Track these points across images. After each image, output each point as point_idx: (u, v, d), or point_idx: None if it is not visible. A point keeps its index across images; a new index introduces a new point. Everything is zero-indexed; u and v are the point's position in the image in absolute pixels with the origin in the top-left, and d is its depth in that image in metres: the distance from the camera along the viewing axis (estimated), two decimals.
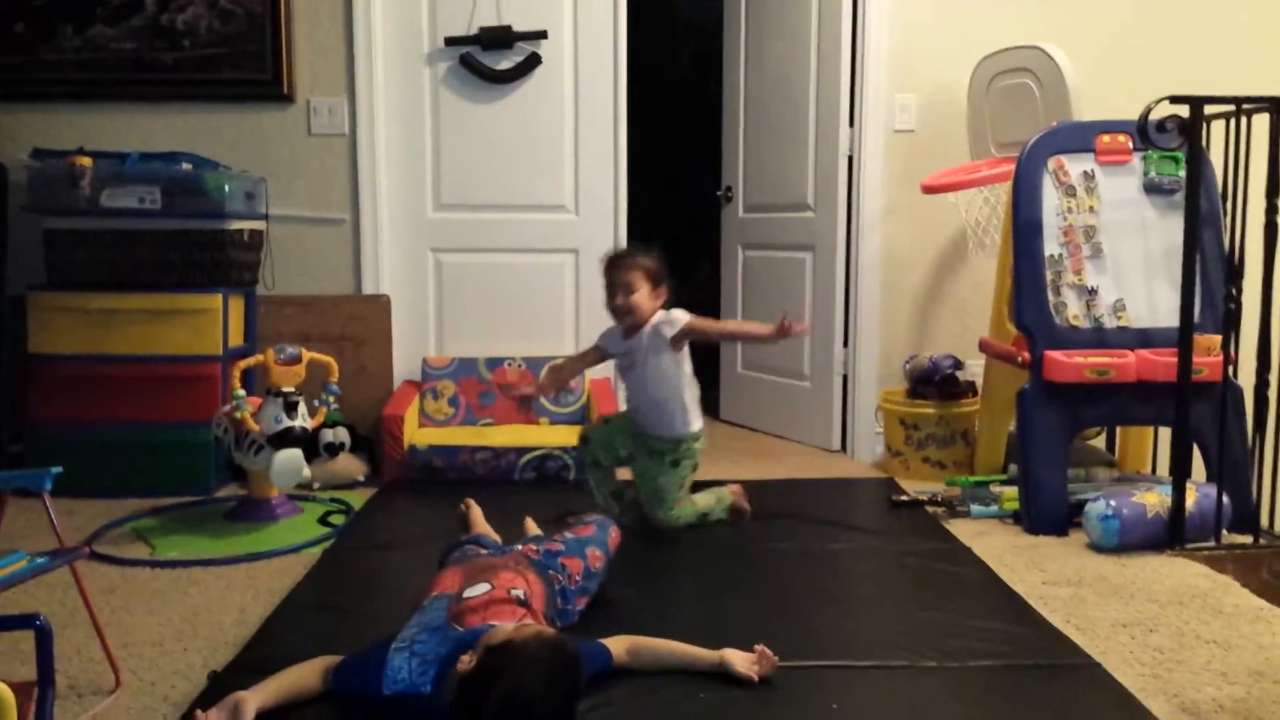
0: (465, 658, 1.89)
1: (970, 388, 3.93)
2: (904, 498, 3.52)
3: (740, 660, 2.13)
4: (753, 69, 4.74)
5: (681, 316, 3.10)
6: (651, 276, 3.11)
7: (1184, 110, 3.03)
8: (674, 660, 2.16)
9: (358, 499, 3.60)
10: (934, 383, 3.90)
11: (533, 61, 4.20)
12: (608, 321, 4.26)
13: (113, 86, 4.03)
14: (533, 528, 2.95)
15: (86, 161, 3.61)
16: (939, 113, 4.17)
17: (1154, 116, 3.10)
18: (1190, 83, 3.09)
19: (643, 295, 3.08)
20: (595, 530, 2.62)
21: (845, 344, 4.32)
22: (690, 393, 3.17)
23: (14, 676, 1.54)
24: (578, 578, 2.43)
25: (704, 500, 3.23)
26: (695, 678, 2.12)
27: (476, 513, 2.99)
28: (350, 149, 4.11)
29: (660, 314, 3.12)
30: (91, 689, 2.15)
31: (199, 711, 1.89)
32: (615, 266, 3.12)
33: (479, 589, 2.19)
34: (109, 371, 3.61)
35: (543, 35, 4.19)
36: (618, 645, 2.13)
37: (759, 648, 2.14)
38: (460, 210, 4.29)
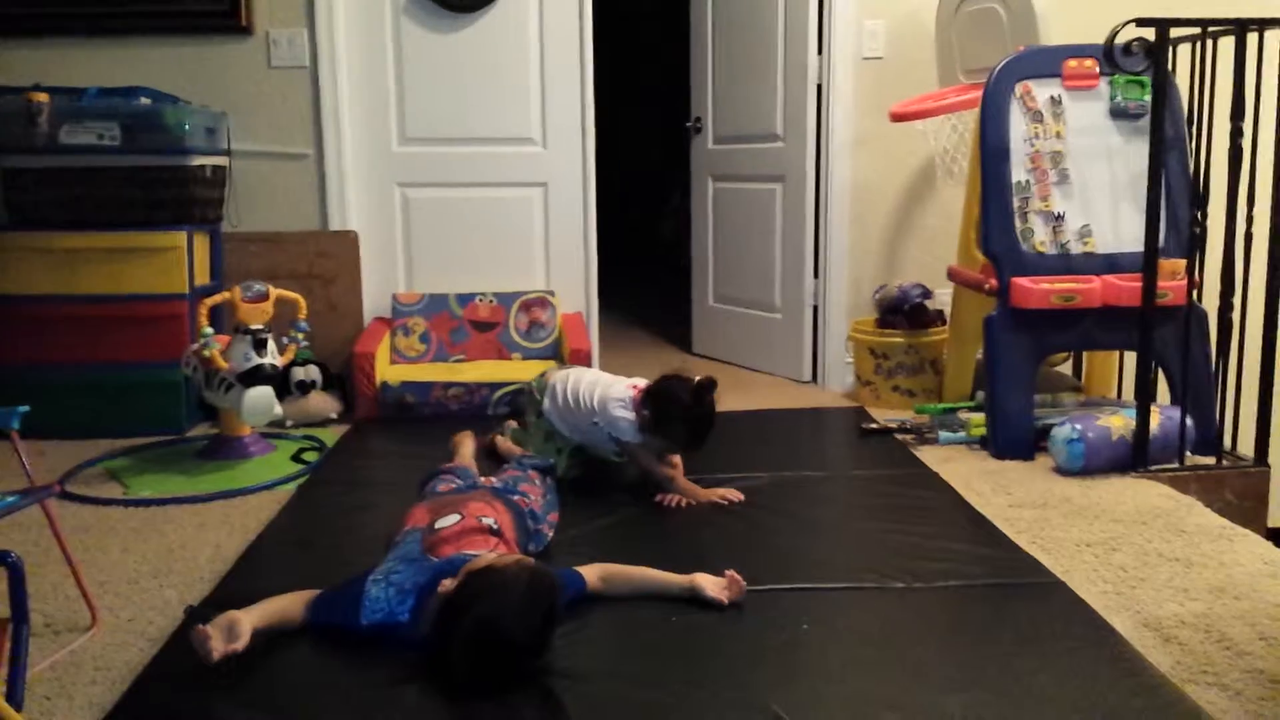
0: (446, 582, 1.93)
1: (939, 316, 3.96)
2: (873, 425, 3.56)
3: (711, 585, 2.17)
4: None
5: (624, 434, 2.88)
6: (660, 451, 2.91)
7: (1150, 33, 3.03)
8: (646, 586, 2.19)
9: (331, 436, 3.61)
10: (903, 312, 3.93)
11: None
12: (574, 255, 4.26)
13: (67, 20, 3.93)
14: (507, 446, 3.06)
15: (43, 97, 3.53)
16: (908, 40, 4.14)
17: (1120, 40, 3.10)
18: (1156, 5, 3.09)
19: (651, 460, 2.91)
20: (518, 469, 2.73)
21: (815, 275, 4.34)
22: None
23: None
24: (539, 499, 2.53)
25: None
26: (668, 603, 2.15)
27: (466, 448, 3.04)
28: (311, 82, 4.04)
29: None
30: (69, 626, 2.17)
31: (199, 626, 1.90)
32: (691, 447, 2.88)
33: (450, 520, 2.22)
34: (75, 311, 3.57)
35: None
36: (591, 573, 2.17)
37: (729, 573, 2.18)
38: (426, 144, 4.24)
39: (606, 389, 2.95)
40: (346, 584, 2.07)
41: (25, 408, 2.22)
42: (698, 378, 2.82)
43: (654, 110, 7.53)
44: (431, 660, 1.88)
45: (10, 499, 2.05)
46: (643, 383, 2.93)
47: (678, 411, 2.78)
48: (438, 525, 2.22)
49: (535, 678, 1.86)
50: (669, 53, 6.58)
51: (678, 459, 2.94)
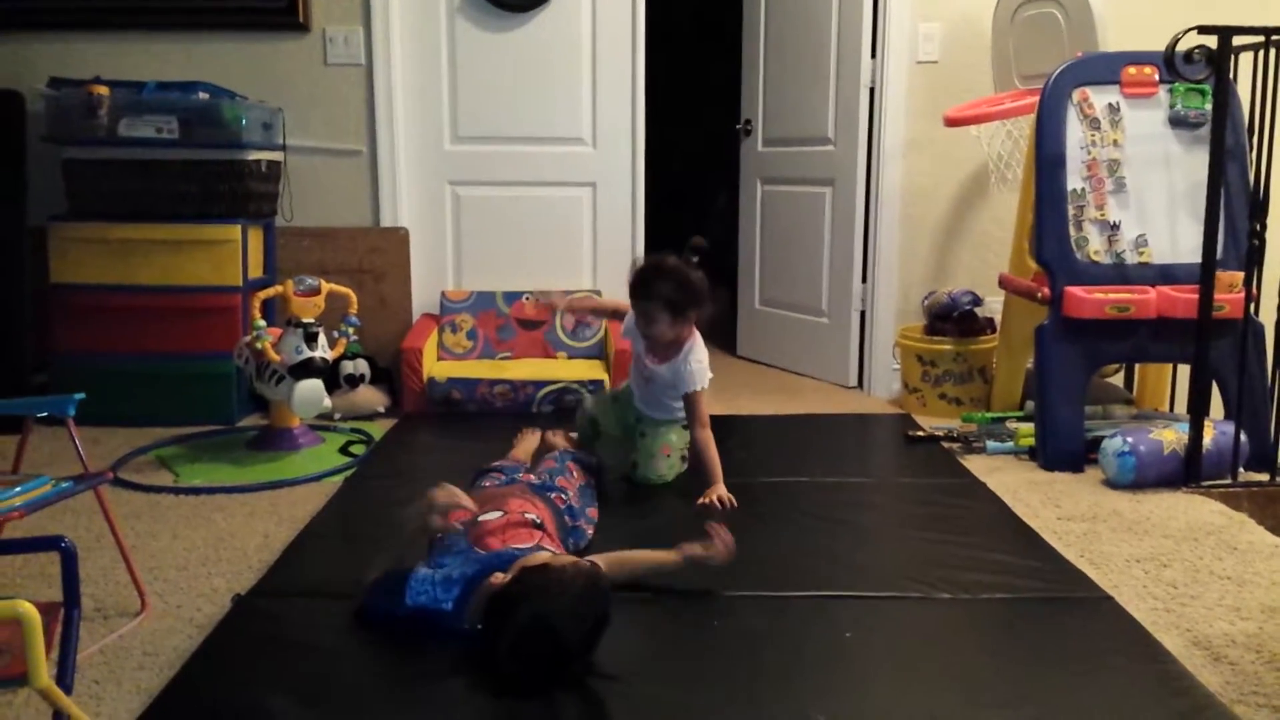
0: (499, 575, 1.95)
1: (989, 324, 3.92)
2: (920, 433, 3.53)
3: (699, 546, 2.16)
4: None
5: (696, 382, 2.95)
6: (674, 307, 2.89)
7: (1212, 41, 2.98)
8: (644, 569, 2.19)
9: (378, 429, 3.64)
10: (952, 319, 3.89)
11: None
12: (622, 256, 4.25)
13: (128, 14, 3.99)
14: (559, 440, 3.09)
15: (104, 90, 3.60)
16: (963, 43, 4.10)
17: (1181, 48, 3.05)
18: (1219, 14, 3.04)
19: (664, 327, 2.92)
20: (556, 462, 2.75)
21: (864, 279, 4.31)
22: None
23: (42, 598, 1.57)
24: (574, 494, 2.56)
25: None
26: (710, 607, 2.15)
27: (525, 444, 3.08)
28: (367, 79, 4.08)
29: (688, 361, 2.96)
30: (118, 611, 2.21)
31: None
32: (635, 294, 2.95)
33: (493, 515, 2.23)
34: (131, 302, 3.63)
35: None
36: (599, 563, 2.16)
37: (713, 527, 2.18)
38: (477, 143, 4.26)
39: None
40: (392, 572, 2.10)
41: (81, 395, 2.27)
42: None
43: (702, 111, 7.51)
44: (476, 652, 1.90)
45: (65, 484, 2.10)
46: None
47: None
48: (481, 518, 2.23)
49: (577, 678, 1.86)
50: (718, 53, 6.56)
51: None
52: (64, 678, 1.61)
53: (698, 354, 2.97)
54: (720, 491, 2.83)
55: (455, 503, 2.26)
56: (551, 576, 1.89)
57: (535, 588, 1.86)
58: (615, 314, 3.28)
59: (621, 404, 3.19)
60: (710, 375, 3.00)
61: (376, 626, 2.06)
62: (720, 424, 3.67)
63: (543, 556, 2.01)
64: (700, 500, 2.81)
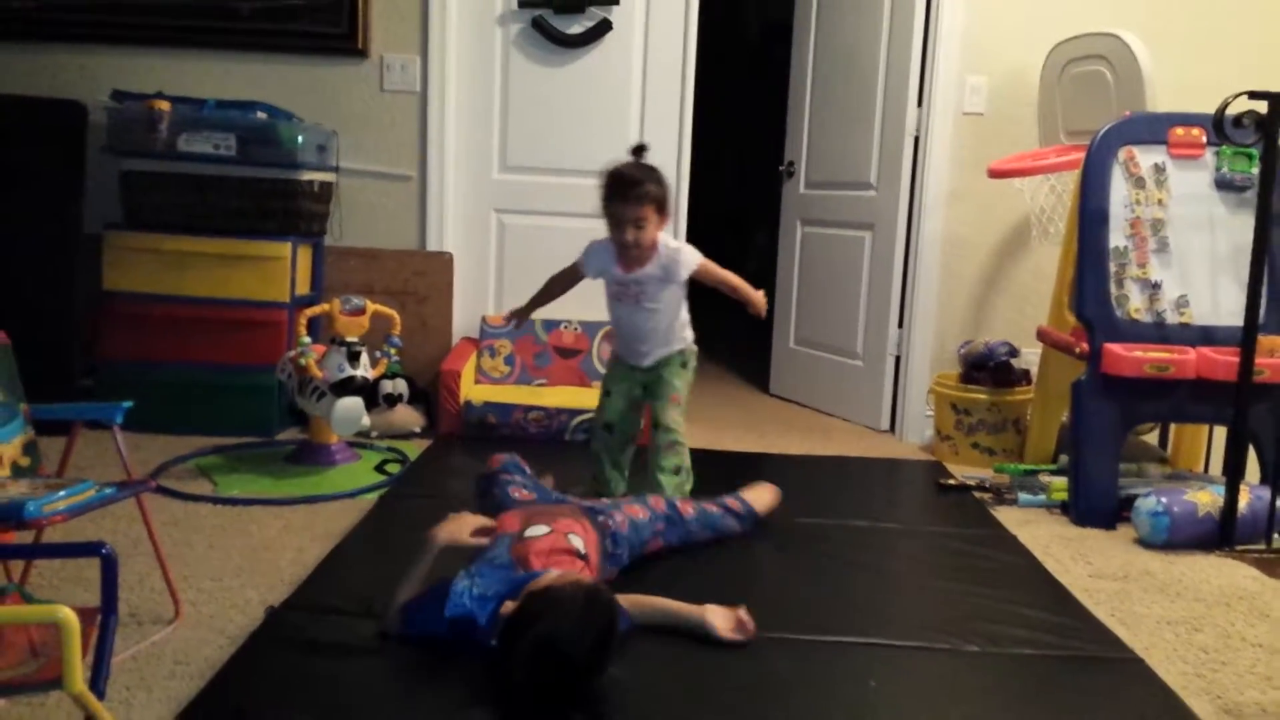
0: (509, 604, 1.98)
1: (1024, 376, 3.91)
2: (951, 481, 3.52)
3: (721, 621, 2.16)
4: (822, 43, 4.71)
5: (693, 257, 2.94)
6: (661, 207, 2.86)
7: (1262, 106, 2.98)
8: (663, 617, 2.19)
9: (413, 449, 3.68)
10: (988, 368, 3.89)
11: (604, 27, 4.21)
12: None
13: (191, 33, 4.09)
14: None
15: (164, 105, 3.68)
16: (1009, 97, 4.12)
17: (1230, 111, 3.05)
18: (1270, 78, 3.05)
19: (652, 229, 2.86)
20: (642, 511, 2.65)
21: (900, 325, 4.31)
22: (685, 310, 3.12)
23: (78, 603, 1.59)
24: (624, 524, 2.51)
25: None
26: (732, 649, 2.15)
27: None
28: (420, 106, 4.15)
29: (667, 246, 2.94)
30: (152, 618, 2.24)
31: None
32: (623, 198, 2.82)
33: (540, 529, 2.26)
34: (180, 312, 3.70)
35: (615, 1, 4.19)
36: (624, 603, 2.17)
37: (740, 614, 2.17)
38: (525, 172, 4.32)
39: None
40: (436, 586, 2.13)
41: (129, 403, 2.31)
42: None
43: (746, 148, 7.56)
44: (499, 681, 1.91)
45: (109, 490, 2.14)
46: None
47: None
48: (527, 534, 2.26)
49: (597, 705, 1.87)
50: (761, 92, 6.61)
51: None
52: (97, 683, 1.63)
53: (671, 241, 2.96)
54: (758, 296, 2.99)
55: (455, 541, 2.22)
56: (551, 598, 1.92)
57: (537, 612, 1.89)
58: (562, 284, 3.14)
59: (619, 379, 3.14)
60: (697, 251, 2.98)
61: (417, 641, 2.07)
62: (749, 461, 3.70)
63: (548, 578, 2.05)
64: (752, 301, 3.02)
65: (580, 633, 1.85)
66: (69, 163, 3.82)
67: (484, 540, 2.26)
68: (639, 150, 2.93)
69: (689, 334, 3.13)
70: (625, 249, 2.90)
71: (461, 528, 2.25)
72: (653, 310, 3.00)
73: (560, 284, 3.15)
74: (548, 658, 1.84)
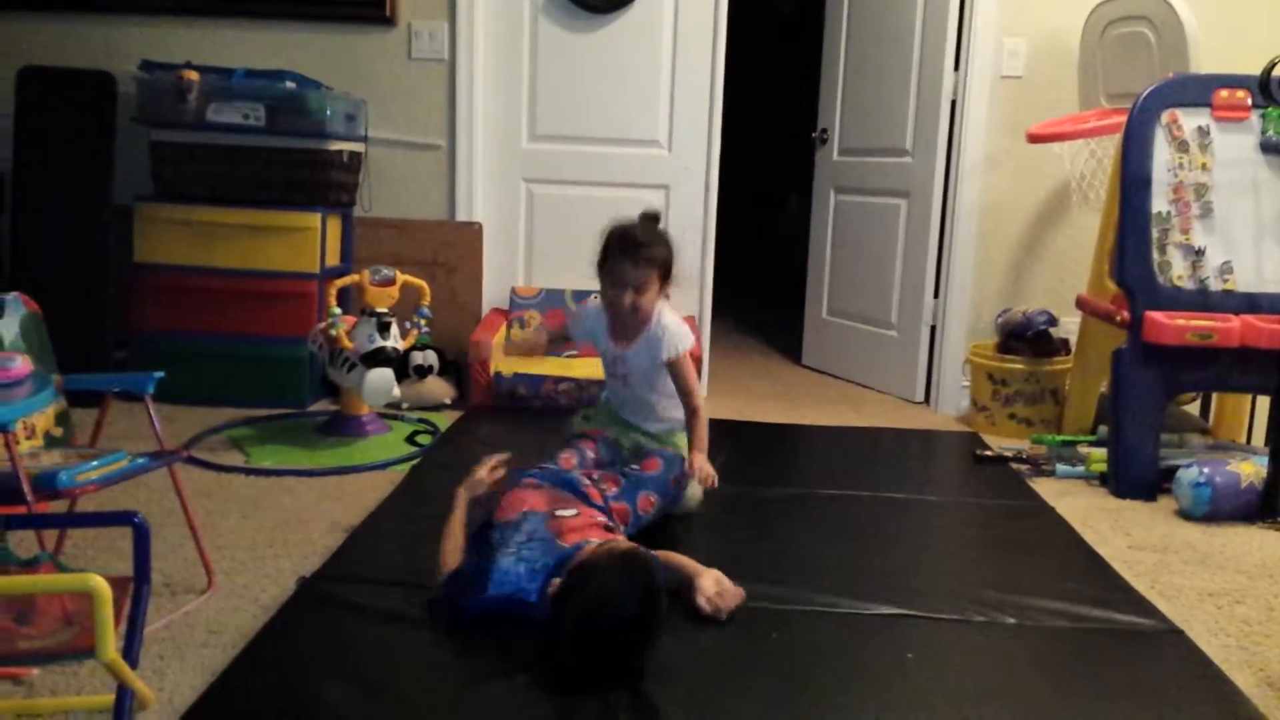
0: (556, 580, 1.99)
1: (1063, 345, 3.85)
2: (988, 453, 3.48)
3: (708, 587, 2.13)
4: (856, 6, 4.63)
5: (676, 343, 2.62)
6: (666, 273, 2.59)
7: None
8: (668, 572, 2.12)
9: (444, 421, 3.68)
10: (1026, 338, 3.83)
11: None
12: (691, 259, 4.21)
13: (221, 2, 4.08)
14: None
15: (193, 75, 3.67)
16: (1048, 59, 4.03)
17: (1277, 73, 2.97)
18: None
19: (651, 296, 2.59)
20: (661, 468, 2.59)
21: (936, 294, 4.25)
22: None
23: (112, 572, 1.60)
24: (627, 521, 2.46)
25: None
26: (769, 620, 2.13)
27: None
28: (449, 75, 4.13)
29: (660, 321, 2.64)
30: (185, 588, 2.25)
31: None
32: (629, 258, 2.56)
33: (568, 511, 2.25)
34: (211, 284, 3.71)
35: None
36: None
37: (725, 588, 2.15)
38: (554, 141, 4.29)
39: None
40: (473, 562, 2.13)
41: (160, 374, 2.31)
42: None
43: (778, 114, 7.49)
44: (548, 653, 1.90)
45: (141, 461, 2.15)
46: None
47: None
48: (558, 513, 2.24)
49: (642, 672, 1.87)
50: (794, 57, 6.53)
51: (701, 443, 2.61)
52: (130, 652, 1.63)
53: (668, 315, 2.65)
54: (701, 461, 2.54)
55: (477, 487, 2.46)
56: (590, 568, 1.93)
57: (578, 584, 1.90)
58: (545, 338, 3.09)
59: (611, 416, 2.87)
60: (691, 337, 2.66)
61: (454, 617, 2.07)
62: (782, 432, 3.67)
63: (586, 550, 2.05)
64: (686, 464, 2.58)
65: (622, 593, 1.85)
66: (99, 134, 3.82)
67: (500, 473, 2.47)
68: (651, 218, 2.67)
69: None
70: (619, 315, 2.65)
71: (478, 473, 2.46)
72: (641, 384, 2.74)
73: (553, 343, 3.10)
74: (593, 625, 1.83)
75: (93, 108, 3.83)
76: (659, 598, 1.87)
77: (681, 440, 2.72)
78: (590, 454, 2.70)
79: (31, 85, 3.80)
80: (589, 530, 2.19)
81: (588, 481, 2.46)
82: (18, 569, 1.71)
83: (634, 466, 2.60)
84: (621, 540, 2.16)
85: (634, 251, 2.55)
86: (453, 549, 2.23)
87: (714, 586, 2.15)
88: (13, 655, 1.59)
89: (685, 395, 2.65)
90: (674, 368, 2.63)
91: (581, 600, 1.86)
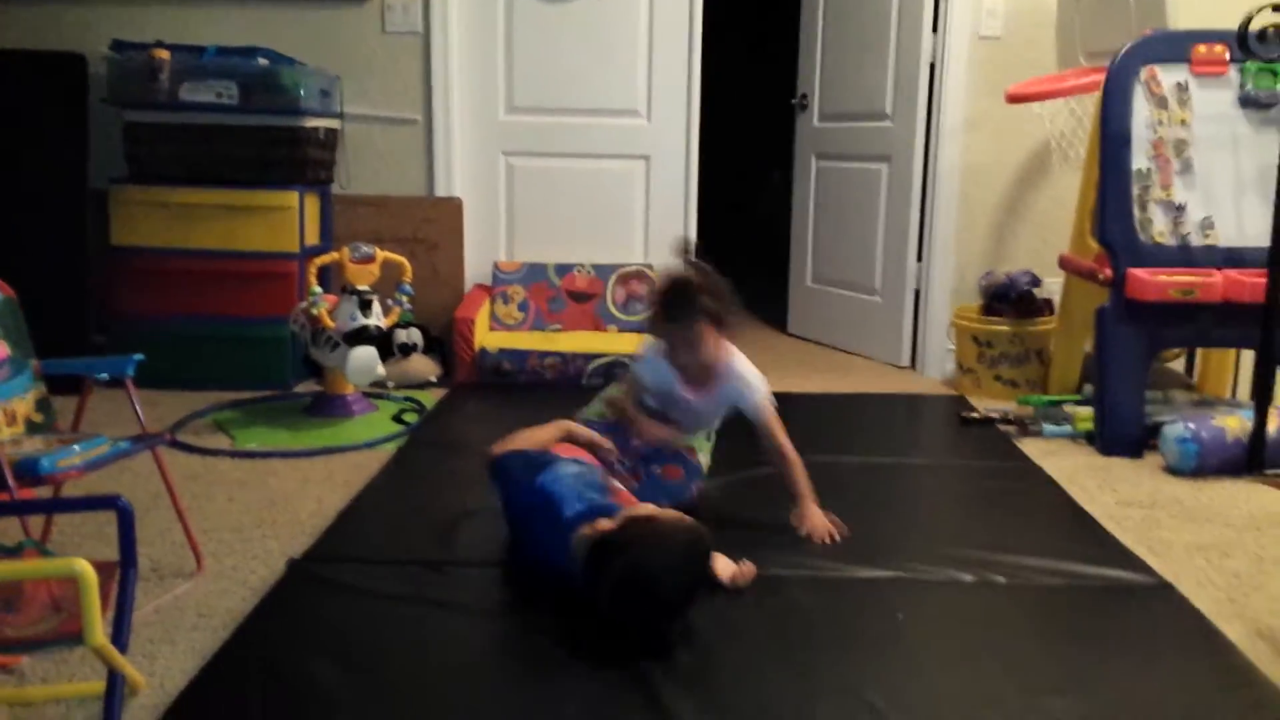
0: (604, 521, 1.94)
1: (1047, 305, 3.85)
2: (974, 415, 3.48)
3: (722, 568, 2.12)
4: None
5: (758, 399, 2.50)
6: (719, 320, 2.43)
7: None
8: None
9: (429, 398, 3.66)
10: (1010, 300, 3.83)
11: None
12: (674, 230, 4.19)
13: None
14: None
15: (164, 54, 3.62)
16: (1027, 19, 4.02)
17: (1254, 26, 2.97)
18: None
19: (711, 346, 2.45)
20: (683, 477, 2.53)
21: (919, 258, 4.25)
22: None
23: (99, 558, 1.58)
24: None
25: None
26: (759, 585, 2.12)
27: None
28: (423, 48, 4.08)
29: (733, 371, 2.51)
30: (173, 571, 2.24)
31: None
32: (675, 323, 2.42)
33: (616, 481, 2.28)
34: (189, 266, 3.67)
35: None
36: None
37: (744, 564, 2.13)
38: (532, 113, 4.25)
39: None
40: (538, 455, 2.19)
41: (140, 356, 2.30)
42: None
43: (757, 83, 7.44)
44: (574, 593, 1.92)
45: (124, 444, 2.13)
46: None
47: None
48: (613, 478, 2.26)
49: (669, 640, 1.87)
50: (776, 25, 6.48)
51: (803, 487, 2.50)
52: (119, 637, 1.63)
53: (741, 363, 2.54)
54: (813, 511, 2.44)
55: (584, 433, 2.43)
56: (656, 529, 1.90)
57: (639, 537, 1.87)
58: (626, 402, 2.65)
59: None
60: (765, 383, 2.55)
61: (499, 482, 2.20)
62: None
63: (648, 508, 2.01)
64: (799, 528, 2.43)
65: (677, 570, 1.85)
66: (72, 116, 3.78)
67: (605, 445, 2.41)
68: (687, 250, 2.52)
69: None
70: (685, 370, 2.52)
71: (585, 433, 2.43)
72: (701, 424, 2.65)
73: (624, 401, 2.64)
74: (639, 586, 1.82)
75: (64, 90, 3.77)
76: (703, 584, 1.90)
77: (700, 443, 2.65)
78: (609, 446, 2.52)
79: (1, 69, 3.74)
80: (631, 502, 2.16)
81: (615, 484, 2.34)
82: (3, 556, 1.70)
83: (656, 468, 2.53)
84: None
85: (677, 314, 2.41)
86: (522, 441, 2.26)
87: (725, 571, 2.13)
88: (1, 643, 1.57)
89: (775, 447, 2.50)
90: (760, 423, 2.50)
91: (633, 556, 1.83)
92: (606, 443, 2.42)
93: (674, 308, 2.40)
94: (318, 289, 3.26)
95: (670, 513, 2.01)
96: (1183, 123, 3.22)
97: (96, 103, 3.80)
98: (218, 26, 4.00)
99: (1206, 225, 3.20)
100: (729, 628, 1.98)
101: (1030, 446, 3.20)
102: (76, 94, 3.79)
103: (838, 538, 2.38)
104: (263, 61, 3.69)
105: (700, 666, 1.83)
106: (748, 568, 2.14)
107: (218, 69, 3.63)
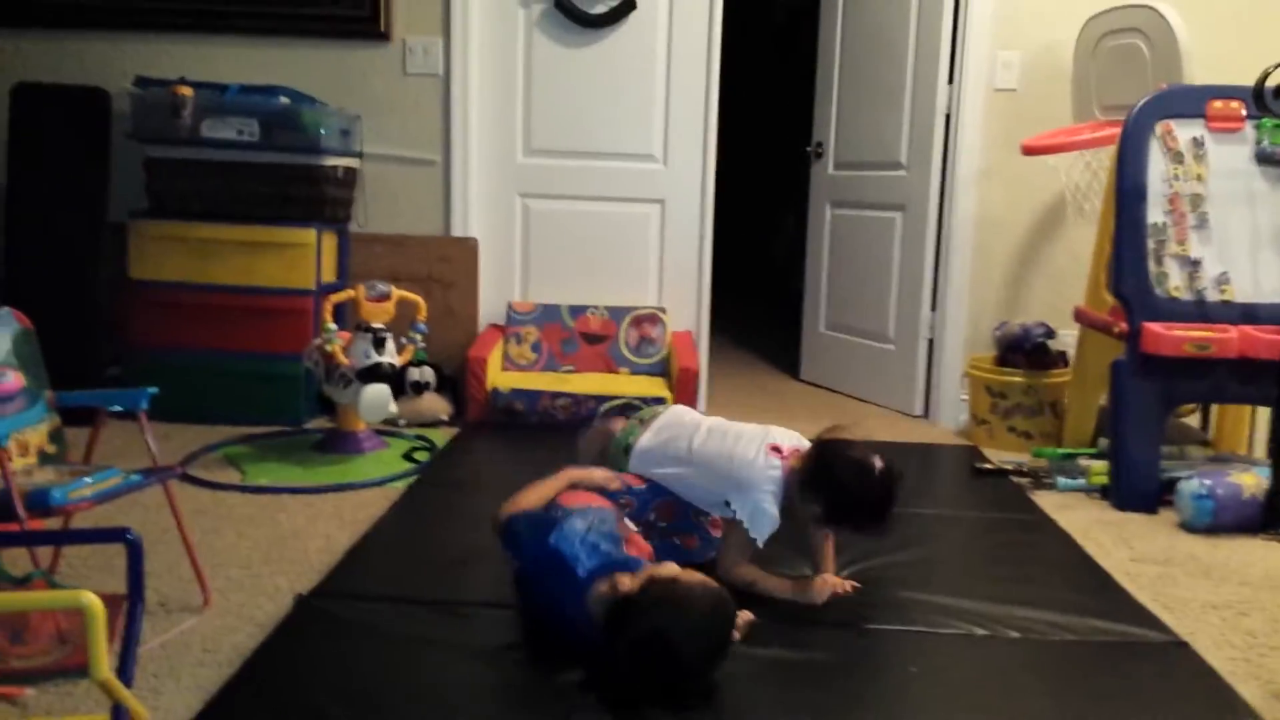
0: (626, 579, 1.90)
1: (1061, 358, 3.84)
2: (988, 466, 3.46)
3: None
4: (850, 19, 4.64)
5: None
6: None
7: None
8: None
9: (441, 437, 3.66)
10: (1024, 351, 3.82)
11: (627, 7, 4.15)
12: (688, 274, 4.18)
13: (213, 18, 4.07)
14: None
15: (188, 91, 3.66)
16: (1042, 72, 4.04)
17: (1270, 83, 2.98)
18: None
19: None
20: (698, 547, 2.50)
21: (933, 307, 4.25)
22: None
23: (107, 590, 1.58)
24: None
25: None
26: (770, 634, 2.10)
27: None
28: (444, 90, 4.12)
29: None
30: (180, 606, 2.23)
31: None
32: (864, 526, 2.28)
33: (632, 527, 2.24)
34: (205, 300, 3.68)
35: None
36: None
37: (742, 613, 2.05)
38: (549, 156, 4.28)
39: (741, 454, 2.36)
40: (544, 514, 2.15)
41: (154, 390, 2.30)
42: (874, 458, 2.30)
43: (774, 130, 7.50)
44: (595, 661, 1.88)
45: (135, 477, 2.13)
46: (784, 443, 2.39)
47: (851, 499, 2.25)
48: (625, 523, 2.23)
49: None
50: (793, 74, 6.54)
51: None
52: (125, 670, 1.61)
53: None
54: (831, 580, 2.34)
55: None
56: (680, 592, 1.86)
57: (662, 600, 1.84)
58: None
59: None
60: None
61: (510, 548, 2.15)
62: None
63: (673, 569, 1.96)
64: (818, 596, 2.30)
65: (699, 635, 1.81)
66: (94, 150, 3.82)
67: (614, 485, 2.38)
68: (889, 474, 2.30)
69: None
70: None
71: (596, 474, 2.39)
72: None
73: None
74: (659, 649, 1.78)
75: (87, 124, 3.82)
76: (726, 652, 1.87)
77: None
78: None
79: (25, 101, 3.80)
80: (646, 554, 2.14)
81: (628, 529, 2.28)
82: (11, 587, 1.69)
83: (675, 540, 2.47)
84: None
85: (877, 521, 2.26)
86: (529, 499, 2.23)
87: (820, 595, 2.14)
88: (6, 674, 1.57)
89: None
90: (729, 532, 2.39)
91: (655, 622, 1.79)
92: (614, 482, 2.39)
93: (874, 516, 2.25)
94: (332, 326, 3.28)
95: (694, 575, 1.96)
96: (1198, 178, 3.22)
97: (119, 137, 3.84)
98: (240, 65, 4.05)
99: (1222, 280, 3.19)
100: (737, 677, 1.95)
101: (1044, 499, 3.18)
102: (99, 128, 3.83)
103: (849, 589, 2.35)
104: (284, 100, 3.73)
105: (711, 718, 1.81)
106: (744, 616, 2.09)
107: (239, 107, 3.67)
